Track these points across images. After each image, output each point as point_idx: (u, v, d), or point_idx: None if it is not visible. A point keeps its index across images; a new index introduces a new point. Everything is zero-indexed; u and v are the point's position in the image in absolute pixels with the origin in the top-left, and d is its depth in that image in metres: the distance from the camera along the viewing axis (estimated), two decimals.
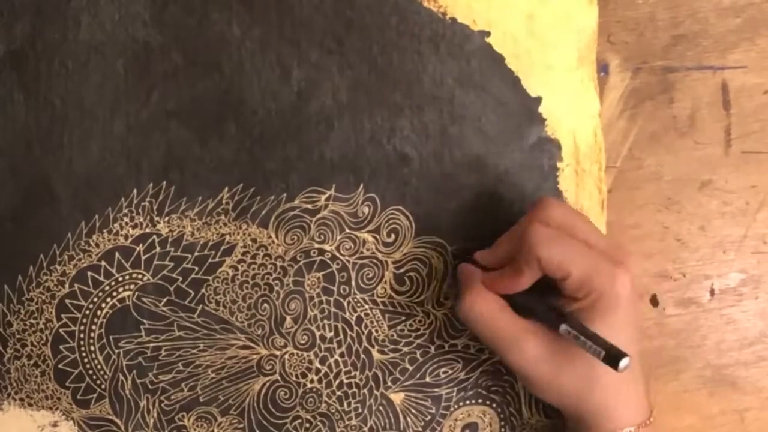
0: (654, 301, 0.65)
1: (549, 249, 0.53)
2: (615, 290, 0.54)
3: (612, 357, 0.50)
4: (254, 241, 0.60)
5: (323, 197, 0.60)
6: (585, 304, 0.54)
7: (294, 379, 0.61)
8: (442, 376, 0.62)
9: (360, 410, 0.62)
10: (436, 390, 0.62)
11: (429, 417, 0.63)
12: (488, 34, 0.60)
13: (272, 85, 0.59)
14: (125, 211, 0.60)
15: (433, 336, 0.62)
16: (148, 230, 0.60)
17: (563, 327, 0.53)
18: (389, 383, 0.62)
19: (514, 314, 0.56)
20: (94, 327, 0.60)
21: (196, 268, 0.60)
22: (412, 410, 0.62)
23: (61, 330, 0.60)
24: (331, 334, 0.61)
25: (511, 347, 0.55)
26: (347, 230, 0.61)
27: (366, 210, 0.61)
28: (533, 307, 0.56)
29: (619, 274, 0.54)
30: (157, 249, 0.60)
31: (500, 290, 0.56)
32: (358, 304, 0.61)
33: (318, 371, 0.62)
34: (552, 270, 0.54)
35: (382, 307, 0.61)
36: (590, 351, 0.52)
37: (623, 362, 0.50)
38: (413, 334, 0.62)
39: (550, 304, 0.56)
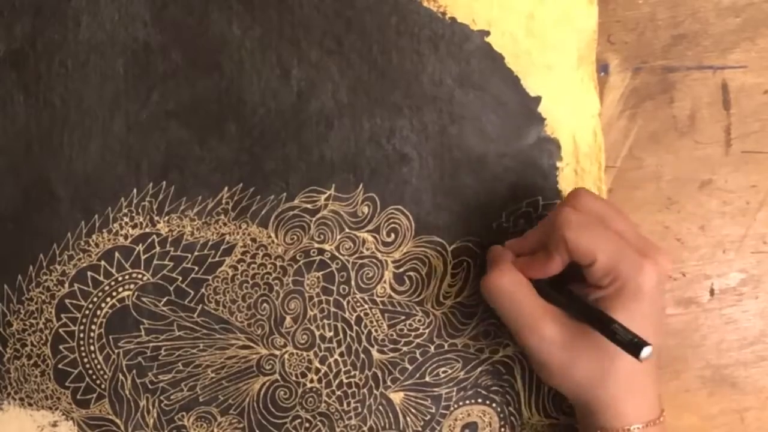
0: None
1: (577, 232, 0.53)
2: (639, 280, 0.54)
3: (634, 345, 0.50)
4: (254, 240, 0.60)
5: (323, 197, 0.60)
6: (609, 292, 0.54)
7: (294, 378, 0.61)
8: (442, 375, 0.62)
9: (360, 410, 0.62)
10: (435, 389, 0.62)
11: (429, 416, 0.63)
12: (488, 33, 0.60)
13: (272, 85, 0.60)
14: (125, 210, 0.60)
15: (433, 335, 0.62)
16: (147, 230, 0.60)
17: (587, 313, 0.53)
18: (389, 383, 0.62)
19: (537, 295, 0.56)
20: (93, 327, 0.60)
21: (196, 268, 0.60)
22: (412, 410, 0.62)
23: (60, 330, 0.60)
24: (331, 333, 0.61)
25: (531, 327, 0.55)
26: (347, 230, 0.61)
27: (366, 210, 0.61)
28: (557, 292, 0.56)
29: (646, 265, 0.54)
30: (157, 249, 0.60)
31: (529, 274, 0.56)
32: (358, 304, 0.61)
33: (318, 371, 0.62)
34: (579, 254, 0.54)
35: (381, 306, 0.61)
36: (612, 338, 0.51)
37: (645, 351, 0.49)
38: (413, 334, 0.62)
39: (573, 291, 0.56)
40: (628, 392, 0.55)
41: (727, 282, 0.65)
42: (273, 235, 0.60)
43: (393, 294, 0.61)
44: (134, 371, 0.61)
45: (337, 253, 0.61)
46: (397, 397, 0.62)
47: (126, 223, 0.60)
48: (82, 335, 0.60)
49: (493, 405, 0.63)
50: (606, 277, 0.54)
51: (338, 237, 0.61)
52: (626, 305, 0.54)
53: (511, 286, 0.56)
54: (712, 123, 0.64)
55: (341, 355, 0.62)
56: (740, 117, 0.64)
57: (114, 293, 0.60)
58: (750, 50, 0.64)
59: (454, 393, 0.62)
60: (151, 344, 0.60)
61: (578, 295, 0.56)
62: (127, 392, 0.61)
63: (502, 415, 0.63)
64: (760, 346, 0.66)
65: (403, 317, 0.62)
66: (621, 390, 0.55)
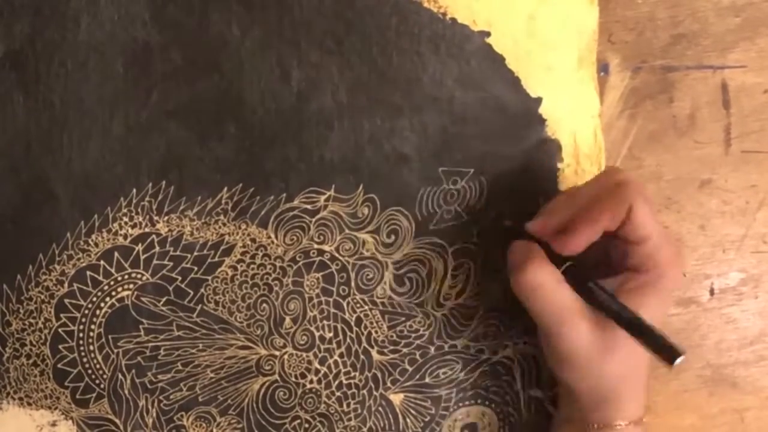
0: None
1: (646, 200, 0.51)
2: (676, 271, 0.53)
3: (670, 351, 0.48)
4: (253, 241, 0.60)
5: (323, 198, 0.60)
6: (645, 279, 0.53)
7: (293, 379, 0.61)
8: (442, 376, 0.62)
9: (359, 411, 0.62)
10: (435, 391, 0.62)
11: (428, 418, 0.63)
12: (488, 34, 0.60)
13: (272, 86, 0.59)
14: (124, 210, 0.59)
15: (433, 337, 0.62)
16: (147, 230, 0.60)
17: (619, 314, 0.52)
18: (389, 384, 0.62)
19: (571, 290, 0.54)
20: (93, 326, 0.60)
21: (196, 268, 0.60)
22: (412, 411, 0.62)
23: (60, 329, 0.60)
24: (331, 334, 0.61)
25: (566, 324, 0.53)
26: (347, 231, 0.61)
27: (365, 210, 0.61)
28: (588, 288, 0.54)
29: (681, 257, 0.53)
30: (157, 249, 0.60)
31: (570, 242, 0.53)
32: (358, 305, 0.61)
33: (317, 372, 0.62)
34: (639, 225, 0.52)
35: (381, 307, 0.61)
36: (646, 344, 0.50)
37: (679, 360, 0.48)
38: (413, 335, 0.62)
39: (607, 289, 0.54)
40: (630, 388, 0.56)
41: (727, 282, 0.66)
42: (273, 235, 0.60)
43: (393, 295, 0.61)
44: (133, 371, 0.61)
45: (336, 254, 0.61)
46: (396, 398, 0.62)
47: (125, 223, 0.60)
48: (81, 335, 0.60)
49: (493, 406, 0.63)
50: (649, 260, 0.53)
51: (338, 238, 0.61)
52: (661, 296, 0.53)
53: (548, 281, 0.53)
54: (712, 123, 0.64)
55: (341, 356, 0.62)
56: (740, 117, 0.64)
57: (113, 293, 0.60)
58: (750, 50, 0.64)
59: (454, 394, 0.63)
60: (151, 344, 0.60)
61: (607, 291, 0.54)
62: (126, 392, 0.61)
63: (501, 416, 0.63)
64: (760, 346, 0.66)
65: (403, 318, 0.62)
66: (627, 386, 0.55)
